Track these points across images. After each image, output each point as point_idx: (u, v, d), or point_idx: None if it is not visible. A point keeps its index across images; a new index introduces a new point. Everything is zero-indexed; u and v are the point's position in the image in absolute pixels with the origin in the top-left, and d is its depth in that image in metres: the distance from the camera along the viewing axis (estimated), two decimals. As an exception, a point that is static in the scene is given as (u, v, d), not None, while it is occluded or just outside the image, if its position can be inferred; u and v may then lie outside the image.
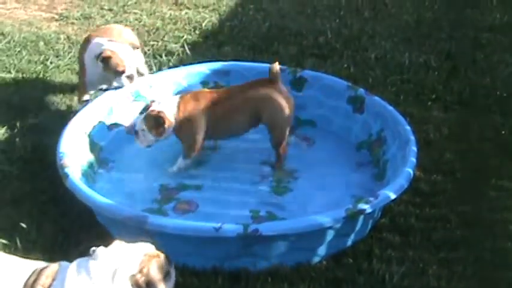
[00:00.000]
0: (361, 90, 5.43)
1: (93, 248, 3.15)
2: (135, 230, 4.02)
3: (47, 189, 4.79)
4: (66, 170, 4.42)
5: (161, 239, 4.00)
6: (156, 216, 4.23)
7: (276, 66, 4.88)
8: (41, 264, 3.23)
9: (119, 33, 5.56)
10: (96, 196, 4.24)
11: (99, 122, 5.16)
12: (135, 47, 5.44)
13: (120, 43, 5.34)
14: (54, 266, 3.17)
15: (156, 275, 3.14)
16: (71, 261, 3.23)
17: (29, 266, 3.20)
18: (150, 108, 4.81)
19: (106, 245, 3.22)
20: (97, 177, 4.88)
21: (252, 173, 4.99)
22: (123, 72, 5.25)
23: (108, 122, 5.23)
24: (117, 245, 3.18)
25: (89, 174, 4.75)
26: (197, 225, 4.04)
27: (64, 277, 3.08)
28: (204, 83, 5.67)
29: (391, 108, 5.20)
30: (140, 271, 3.08)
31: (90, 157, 4.94)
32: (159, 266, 3.17)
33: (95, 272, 3.07)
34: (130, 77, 5.29)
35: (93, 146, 5.03)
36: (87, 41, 5.49)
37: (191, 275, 4.01)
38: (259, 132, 5.18)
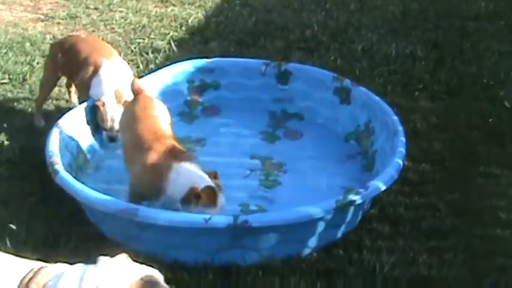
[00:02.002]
0: (347, 81, 5.44)
1: (100, 257, 3.08)
2: (126, 225, 4.02)
3: (36, 190, 4.77)
4: (56, 166, 4.41)
5: (152, 231, 4.03)
6: (147, 208, 4.23)
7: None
8: (39, 264, 3.21)
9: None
10: (86, 190, 4.23)
11: (87, 122, 5.16)
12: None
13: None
14: (52, 267, 3.14)
15: None
16: (61, 261, 3.21)
17: (26, 265, 3.18)
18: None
19: (112, 256, 3.13)
20: (85, 177, 4.86)
21: (241, 167, 4.98)
22: (105, 129, 5.16)
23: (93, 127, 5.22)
24: (122, 259, 3.09)
25: (78, 175, 4.74)
26: (187, 216, 4.04)
27: (59, 278, 3.06)
28: (190, 81, 5.69)
29: (377, 98, 5.22)
30: None
31: (78, 158, 4.93)
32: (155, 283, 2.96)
33: (86, 280, 3.02)
34: (112, 138, 5.13)
35: (81, 147, 5.02)
36: (97, 63, 5.30)
37: (182, 270, 4.00)
38: (247, 126, 5.19)
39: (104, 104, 5.11)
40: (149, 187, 4.31)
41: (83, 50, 5.39)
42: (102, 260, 3.01)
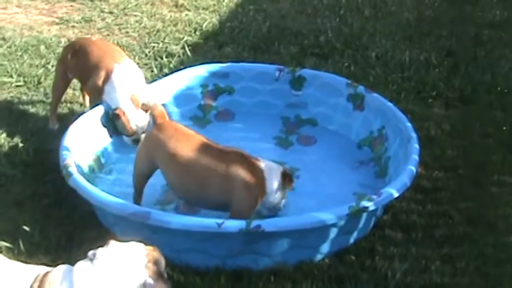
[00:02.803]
0: (360, 88, 5.44)
1: (92, 251, 3.13)
2: (139, 228, 4.03)
3: (50, 192, 4.80)
4: (69, 169, 4.43)
5: (165, 235, 4.03)
6: (159, 211, 4.23)
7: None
8: (42, 269, 3.22)
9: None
10: (99, 193, 4.25)
11: (100, 126, 5.18)
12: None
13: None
14: (56, 271, 3.15)
15: (162, 263, 3.15)
16: (72, 263, 3.23)
17: (31, 271, 3.19)
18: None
19: (102, 246, 3.20)
20: (98, 180, 4.88)
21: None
22: (130, 135, 5.22)
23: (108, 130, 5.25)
24: (114, 244, 3.17)
25: (90, 178, 4.76)
26: (200, 220, 4.06)
27: (71, 282, 3.07)
28: (204, 86, 5.70)
29: (391, 105, 5.22)
30: (149, 261, 3.08)
31: (91, 161, 4.95)
32: (161, 256, 3.18)
33: (105, 270, 3.05)
34: (137, 140, 5.14)
35: (94, 150, 5.04)
36: (110, 68, 5.29)
37: (194, 274, 4.01)
38: (260, 132, 5.19)
39: (124, 112, 5.14)
40: (256, 198, 4.31)
41: (93, 53, 5.40)
42: (99, 251, 3.08)
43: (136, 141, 5.12)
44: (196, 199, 4.44)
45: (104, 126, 5.21)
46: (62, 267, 3.17)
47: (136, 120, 5.16)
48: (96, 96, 5.34)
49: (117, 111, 5.15)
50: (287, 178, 4.38)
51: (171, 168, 4.42)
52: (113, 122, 5.21)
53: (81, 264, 3.11)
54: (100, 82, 5.27)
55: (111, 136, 5.22)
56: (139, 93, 5.20)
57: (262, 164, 4.33)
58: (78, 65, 5.47)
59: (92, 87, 5.37)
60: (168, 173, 4.46)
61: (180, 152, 4.36)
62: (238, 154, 4.34)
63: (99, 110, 5.23)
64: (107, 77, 5.25)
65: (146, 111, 5.15)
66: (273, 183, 4.33)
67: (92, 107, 5.37)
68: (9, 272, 3.17)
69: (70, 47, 5.67)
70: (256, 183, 4.26)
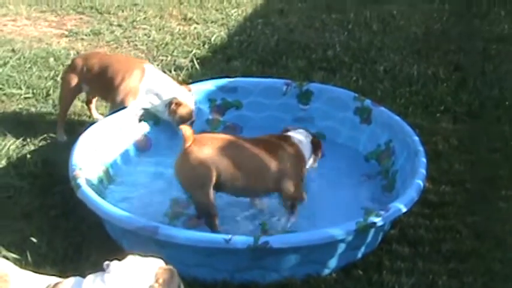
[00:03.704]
0: (367, 101, 5.45)
1: (107, 262, 3.15)
2: (146, 242, 4.02)
3: (58, 204, 4.81)
4: (78, 180, 4.44)
5: (172, 250, 4.02)
6: (167, 226, 4.24)
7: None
8: (54, 279, 3.23)
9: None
10: (108, 206, 4.25)
11: (109, 138, 5.19)
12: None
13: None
14: (68, 282, 3.17)
15: (172, 285, 3.14)
16: (81, 275, 3.24)
17: (42, 281, 3.21)
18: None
19: (119, 259, 3.23)
20: (107, 192, 4.88)
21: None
22: (190, 120, 5.36)
23: (117, 139, 5.25)
24: (131, 259, 3.18)
25: (99, 190, 4.77)
26: (207, 236, 4.06)
27: None
28: (212, 100, 5.73)
29: (398, 118, 5.22)
30: (157, 281, 3.09)
31: (100, 172, 4.95)
32: (173, 277, 3.17)
33: (111, 285, 3.06)
34: (192, 123, 5.34)
35: (103, 162, 5.05)
36: (140, 68, 5.46)
37: (201, 288, 4.02)
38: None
39: (179, 101, 5.33)
40: (302, 171, 4.67)
41: (113, 63, 5.51)
42: (113, 264, 3.08)
43: (192, 123, 5.28)
44: (248, 192, 4.65)
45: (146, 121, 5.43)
46: (73, 279, 3.18)
47: (191, 103, 5.41)
48: (126, 101, 5.40)
49: (174, 101, 5.32)
50: (317, 145, 4.75)
51: (226, 172, 4.44)
52: (171, 113, 5.35)
53: (90, 278, 3.12)
54: (135, 83, 5.39)
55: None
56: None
57: (294, 138, 4.66)
58: (97, 76, 5.52)
59: (124, 91, 5.41)
60: (224, 177, 4.46)
61: (228, 155, 4.44)
62: (274, 140, 4.62)
63: (111, 119, 5.27)
64: (141, 77, 5.41)
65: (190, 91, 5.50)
66: (307, 153, 4.69)
67: (111, 111, 5.43)
68: (21, 281, 3.18)
69: (83, 59, 5.67)
70: (298, 159, 4.60)
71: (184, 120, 5.28)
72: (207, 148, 4.40)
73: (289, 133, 4.73)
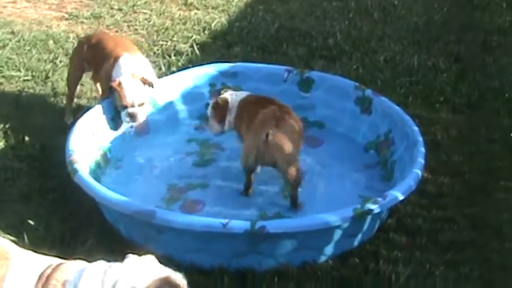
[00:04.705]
0: (368, 91, 5.44)
1: (129, 255, 3.05)
2: (143, 226, 4.02)
3: (56, 188, 4.80)
4: (75, 165, 4.44)
5: (169, 234, 4.03)
6: (165, 210, 4.23)
7: None
8: (57, 260, 3.21)
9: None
10: (104, 191, 4.25)
11: (107, 122, 5.18)
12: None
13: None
14: (71, 263, 3.14)
15: None
16: (78, 258, 3.21)
17: (43, 260, 3.19)
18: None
19: (139, 254, 3.10)
20: (104, 176, 4.88)
21: (261, 173, 4.97)
22: (125, 107, 5.13)
23: (115, 123, 5.23)
24: (149, 258, 3.06)
25: (97, 174, 4.76)
26: (205, 220, 4.06)
27: (81, 275, 3.04)
28: (212, 85, 5.70)
29: (398, 108, 5.21)
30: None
31: (97, 157, 4.95)
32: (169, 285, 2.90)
33: (108, 276, 3.00)
34: (132, 115, 5.13)
35: (101, 146, 5.04)
36: (119, 56, 5.31)
37: (198, 274, 4.00)
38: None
39: (119, 83, 5.10)
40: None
41: (108, 45, 5.45)
42: (131, 257, 3.01)
43: (132, 115, 5.10)
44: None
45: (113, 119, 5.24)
46: (78, 263, 3.12)
47: (132, 89, 5.10)
48: (106, 85, 5.32)
49: (113, 84, 5.13)
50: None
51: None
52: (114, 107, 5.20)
53: (98, 264, 3.04)
54: (110, 69, 5.28)
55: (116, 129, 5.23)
56: (144, 75, 5.23)
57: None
58: (94, 56, 5.50)
59: (103, 75, 5.39)
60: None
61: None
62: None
63: (108, 103, 5.24)
64: (115, 64, 5.27)
65: (146, 84, 5.17)
66: None
67: (103, 98, 5.39)
68: (21, 259, 3.17)
69: (86, 39, 5.71)
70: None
71: (121, 105, 5.11)
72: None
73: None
